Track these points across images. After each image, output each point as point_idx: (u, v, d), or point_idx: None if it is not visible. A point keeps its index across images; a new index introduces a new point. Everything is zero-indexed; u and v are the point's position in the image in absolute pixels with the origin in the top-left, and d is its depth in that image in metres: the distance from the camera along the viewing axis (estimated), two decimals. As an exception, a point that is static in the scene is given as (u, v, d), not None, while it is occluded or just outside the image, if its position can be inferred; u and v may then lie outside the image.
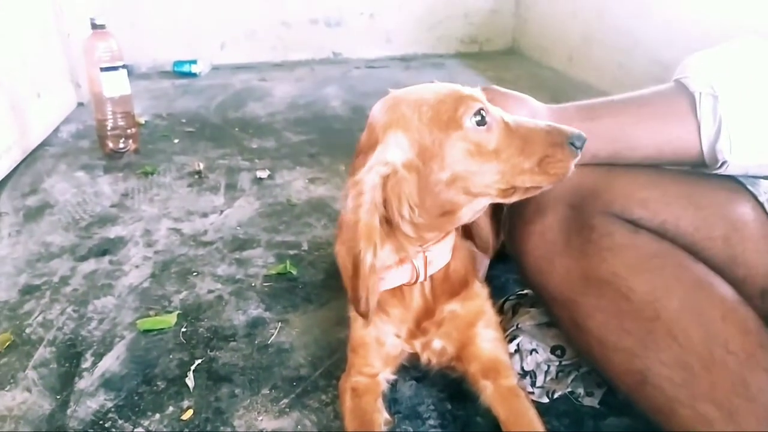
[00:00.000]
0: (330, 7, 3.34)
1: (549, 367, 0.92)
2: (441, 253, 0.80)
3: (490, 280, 0.92)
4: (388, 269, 0.77)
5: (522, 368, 0.91)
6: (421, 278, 0.79)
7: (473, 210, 0.76)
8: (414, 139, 0.70)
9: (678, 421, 0.69)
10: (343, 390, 0.84)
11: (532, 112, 0.82)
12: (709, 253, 0.74)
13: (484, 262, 1.05)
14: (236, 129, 2.22)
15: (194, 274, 1.25)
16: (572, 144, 0.71)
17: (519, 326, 0.96)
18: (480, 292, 0.87)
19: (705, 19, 1.98)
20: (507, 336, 0.94)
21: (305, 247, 1.35)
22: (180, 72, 3.12)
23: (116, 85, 1.86)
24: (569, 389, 0.90)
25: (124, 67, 1.88)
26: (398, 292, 0.81)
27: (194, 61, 3.12)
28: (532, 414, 0.79)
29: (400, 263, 0.77)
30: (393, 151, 0.70)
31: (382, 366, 0.85)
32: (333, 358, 0.98)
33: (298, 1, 3.29)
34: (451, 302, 0.83)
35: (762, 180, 0.81)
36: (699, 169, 0.80)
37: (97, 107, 1.90)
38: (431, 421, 0.86)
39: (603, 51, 2.58)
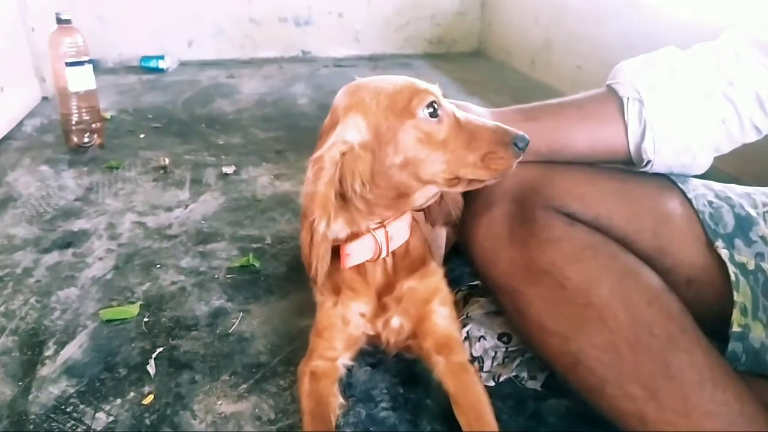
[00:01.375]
0: (299, 6, 3.37)
1: (496, 353, 0.97)
2: (400, 229, 0.85)
3: (446, 272, 0.97)
4: (350, 243, 0.82)
5: (471, 354, 0.96)
6: (384, 254, 0.84)
7: (425, 196, 0.82)
8: (371, 123, 0.77)
9: (607, 400, 0.74)
10: (302, 374, 0.88)
11: (476, 115, 0.87)
12: (639, 245, 0.81)
13: (440, 247, 1.10)
14: (203, 125, 2.24)
15: (157, 266, 1.27)
16: (515, 144, 0.77)
17: (469, 315, 1.02)
18: (436, 270, 0.92)
19: (655, 28, 2.07)
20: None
21: (269, 240, 1.39)
22: (147, 67, 3.12)
23: (81, 80, 1.86)
24: (514, 373, 0.96)
25: (89, 62, 1.88)
26: (362, 268, 0.86)
27: (161, 57, 3.12)
28: (480, 389, 0.84)
29: (354, 237, 0.82)
30: (351, 132, 0.77)
31: (343, 349, 0.90)
32: (292, 346, 1.02)
33: (267, 0, 3.30)
34: (410, 279, 0.88)
35: (692, 178, 0.88)
36: (629, 168, 0.86)
37: (61, 102, 1.90)
38: (384, 404, 0.90)
39: (563, 55, 2.67)
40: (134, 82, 2.90)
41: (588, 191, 0.84)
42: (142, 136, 2.10)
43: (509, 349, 0.97)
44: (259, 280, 1.23)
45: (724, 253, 0.78)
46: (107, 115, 2.26)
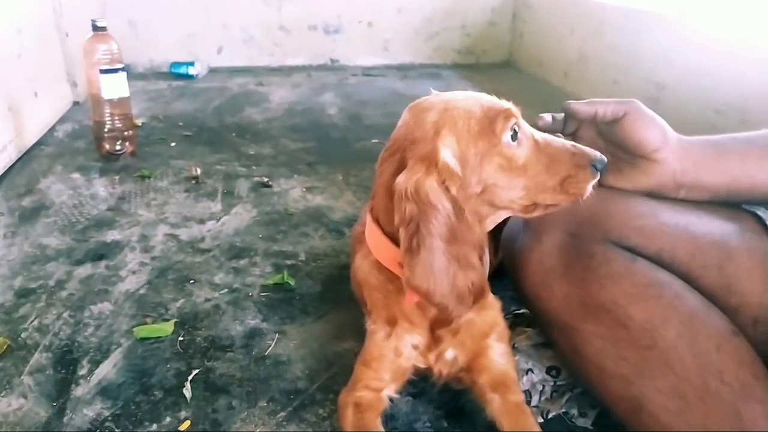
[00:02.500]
0: (329, 14, 3.35)
1: (544, 387, 0.93)
2: None
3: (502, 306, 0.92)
4: None
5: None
6: None
7: (494, 222, 0.78)
8: (460, 148, 0.71)
9: (672, 448, 0.70)
10: (344, 404, 0.84)
11: (663, 137, 0.82)
12: (704, 281, 0.76)
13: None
14: (233, 134, 2.23)
15: (191, 281, 1.25)
16: (594, 166, 0.74)
17: (515, 346, 0.98)
18: (494, 303, 0.87)
19: (701, 41, 2.01)
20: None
21: (302, 257, 1.36)
22: (177, 73, 3.12)
23: (115, 88, 1.86)
24: (563, 409, 0.91)
25: (123, 69, 1.88)
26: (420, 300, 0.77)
27: (191, 63, 3.12)
28: (537, 430, 0.80)
29: None
30: (446, 152, 0.70)
31: (390, 380, 0.85)
32: (330, 372, 0.99)
33: (297, 8, 3.30)
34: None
35: None
36: None
37: (94, 109, 1.90)
38: (427, 438, 0.87)
39: (599, 68, 2.62)
40: (164, 88, 2.91)
41: (648, 224, 0.80)
42: (173, 144, 2.09)
43: (558, 383, 0.93)
44: (294, 299, 1.20)
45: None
46: (138, 122, 2.26)
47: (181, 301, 1.18)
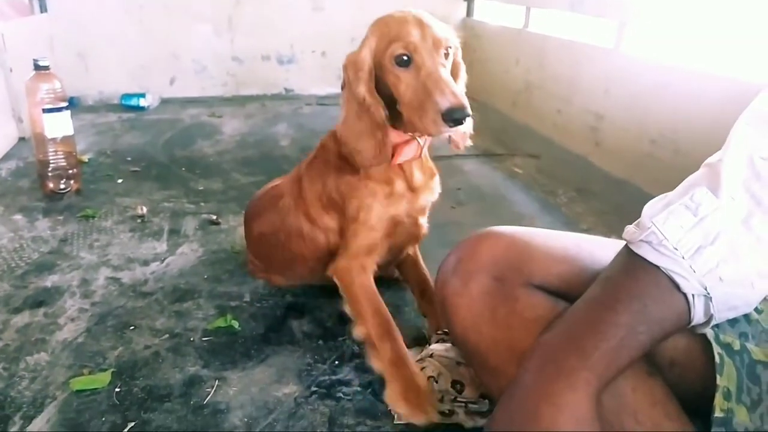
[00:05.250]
0: (282, 45, 3.38)
1: (443, 397, 0.97)
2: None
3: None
4: (404, 145, 1.09)
5: None
6: (423, 153, 1.13)
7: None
8: (376, 51, 1.02)
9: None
10: (349, 269, 1.10)
11: None
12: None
13: None
14: (183, 169, 2.22)
15: (131, 328, 1.24)
16: (443, 116, 0.92)
17: (432, 355, 1.02)
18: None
19: (636, 72, 2.10)
20: (419, 359, 1.05)
21: (247, 298, 1.36)
22: (128, 105, 3.09)
23: (59, 126, 1.84)
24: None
25: (67, 108, 1.86)
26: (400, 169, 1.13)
27: (142, 95, 3.10)
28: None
29: (407, 141, 1.09)
30: (366, 51, 1.02)
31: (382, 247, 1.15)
32: (269, 419, 0.99)
33: (250, 38, 3.31)
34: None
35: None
36: None
37: (38, 147, 1.87)
38: None
39: (543, 98, 2.70)
40: (114, 121, 2.87)
41: (566, 269, 0.83)
42: (120, 181, 2.07)
43: (458, 399, 0.97)
44: (236, 342, 1.20)
45: (709, 333, 0.77)
46: (85, 158, 2.23)
47: (120, 349, 1.17)
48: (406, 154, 1.10)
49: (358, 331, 1.06)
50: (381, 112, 1.04)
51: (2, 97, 2.34)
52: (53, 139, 1.85)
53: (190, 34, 3.23)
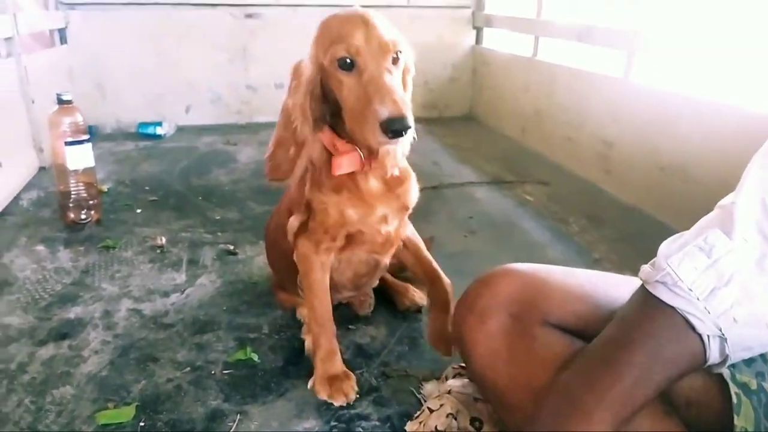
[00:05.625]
0: (295, 73, 3.44)
1: None
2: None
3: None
4: (342, 155, 1.04)
5: (435, 427, 0.98)
6: (367, 168, 1.06)
7: None
8: (316, 56, 0.99)
9: None
10: (313, 261, 1.14)
11: None
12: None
13: None
14: (200, 198, 2.26)
15: (154, 360, 1.26)
16: (381, 125, 0.88)
17: (450, 391, 1.03)
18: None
19: (645, 101, 2.13)
20: (437, 396, 1.05)
21: (265, 329, 1.38)
22: (144, 134, 3.15)
23: (80, 158, 1.89)
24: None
25: (88, 140, 1.91)
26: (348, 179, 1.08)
27: (159, 123, 3.17)
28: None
29: (347, 151, 1.04)
30: (306, 60, 1.02)
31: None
32: (290, 454, 1.01)
33: (263, 67, 3.38)
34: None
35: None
36: None
37: (59, 178, 1.92)
38: None
39: (553, 125, 2.74)
40: (131, 149, 2.93)
41: (582, 308, 0.85)
42: (138, 210, 2.11)
43: None
44: (256, 375, 1.22)
45: (726, 373, 0.78)
46: (104, 188, 2.28)
47: (143, 382, 1.19)
48: (345, 166, 1.04)
49: (302, 310, 1.28)
50: (305, 128, 1.00)
51: (24, 128, 2.40)
52: (74, 171, 1.90)
53: (206, 63, 3.31)
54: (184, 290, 1.56)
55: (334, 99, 1.00)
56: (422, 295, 1.46)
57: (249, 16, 3.29)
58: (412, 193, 1.16)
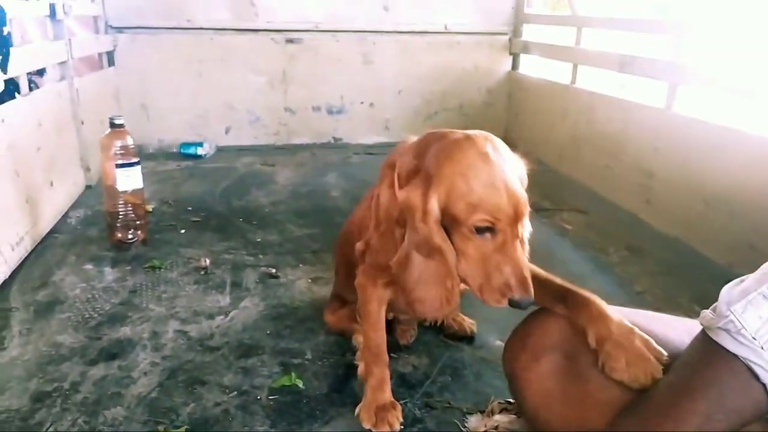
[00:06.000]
0: (332, 96, 3.50)
1: None
2: None
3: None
4: None
5: None
6: None
7: None
8: (447, 201, 0.90)
9: None
10: (372, 294, 1.15)
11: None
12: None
13: None
14: (240, 219, 2.30)
15: (201, 383, 1.29)
16: (510, 301, 0.88)
17: (498, 427, 1.03)
18: None
19: (683, 133, 2.11)
20: (484, 431, 1.06)
21: (309, 355, 1.40)
22: (186, 154, 3.23)
23: (130, 180, 1.95)
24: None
25: (138, 163, 1.97)
26: None
27: (200, 144, 3.24)
28: None
29: None
30: (434, 200, 0.90)
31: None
32: (337, 484, 1.02)
33: (302, 90, 3.45)
34: None
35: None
36: None
37: (108, 199, 1.98)
38: None
39: (591, 152, 2.73)
40: (173, 169, 3.01)
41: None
42: (182, 231, 2.16)
43: None
44: (301, 402, 1.23)
45: (783, 421, 0.77)
46: (149, 207, 2.34)
47: (192, 405, 1.22)
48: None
49: (358, 337, 1.27)
50: (453, 257, 0.92)
51: (73, 148, 2.48)
52: (123, 192, 1.95)
53: (246, 85, 3.38)
54: (229, 313, 1.59)
55: None
56: (472, 322, 1.48)
57: (290, 41, 3.36)
58: None
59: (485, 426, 1.08)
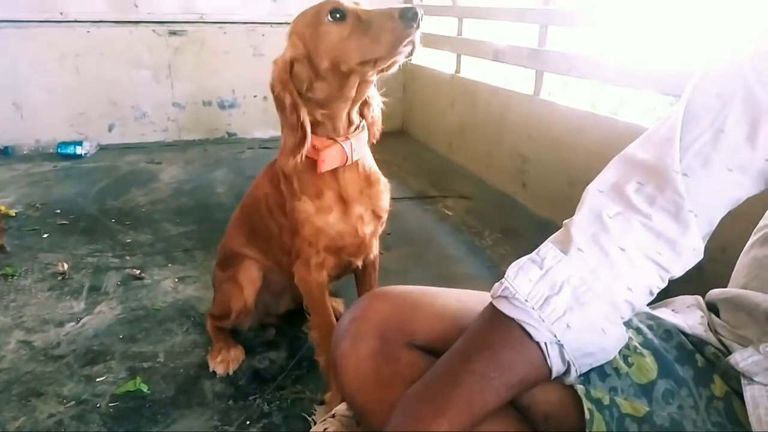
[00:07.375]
0: (223, 90, 3.41)
1: None
2: (360, 144, 1.13)
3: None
4: (324, 151, 1.06)
5: None
6: (349, 161, 1.08)
7: (353, 86, 1.03)
8: (301, 40, 1.00)
9: None
10: (311, 282, 1.16)
11: None
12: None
13: None
14: (112, 220, 2.19)
15: (38, 395, 1.21)
16: (401, 17, 0.89)
17: (335, 414, 1.02)
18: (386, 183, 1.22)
19: (550, 118, 2.19)
20: (323, 420, 1.03)
21: (161, 358, 1.35)
22: (64, 154, 3.05)
23: (-23, 184, 1.81)
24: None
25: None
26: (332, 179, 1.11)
27: (80, 143, 3.08)
28: None
29: (326, 147, 1.06)
30: (290, 50, 1.02)
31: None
32: (167, 488, 0.98)
33: (190, 84, 3.34)
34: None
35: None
36: None
37: (-43, 205, 1.83)
38: None
39: (475, 139, 2.78)
40: (48, 170, 2.83)
41: (446, 328, 0.86)
42: (45, 235, 2.03)
43: None
44: (143, 407, 1.18)
45: (579, 389, 0.80)
46: (12, 212, 2.19)
47: (22, 419, 1.14)
48: (331, 159, 1.07)
49: (313, 333, 1.23)
50: (303, 112, 1.04)
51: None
52: (-27, 197, 1.82)
53: (129, 80, 3.23)
54: (80, 319, 1.50)
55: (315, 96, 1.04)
56: (339, 302, 1.53)
57: (173, 33, 3.23)
58: (385, 198, 1.21)
59: (325, 416, 1.07)
